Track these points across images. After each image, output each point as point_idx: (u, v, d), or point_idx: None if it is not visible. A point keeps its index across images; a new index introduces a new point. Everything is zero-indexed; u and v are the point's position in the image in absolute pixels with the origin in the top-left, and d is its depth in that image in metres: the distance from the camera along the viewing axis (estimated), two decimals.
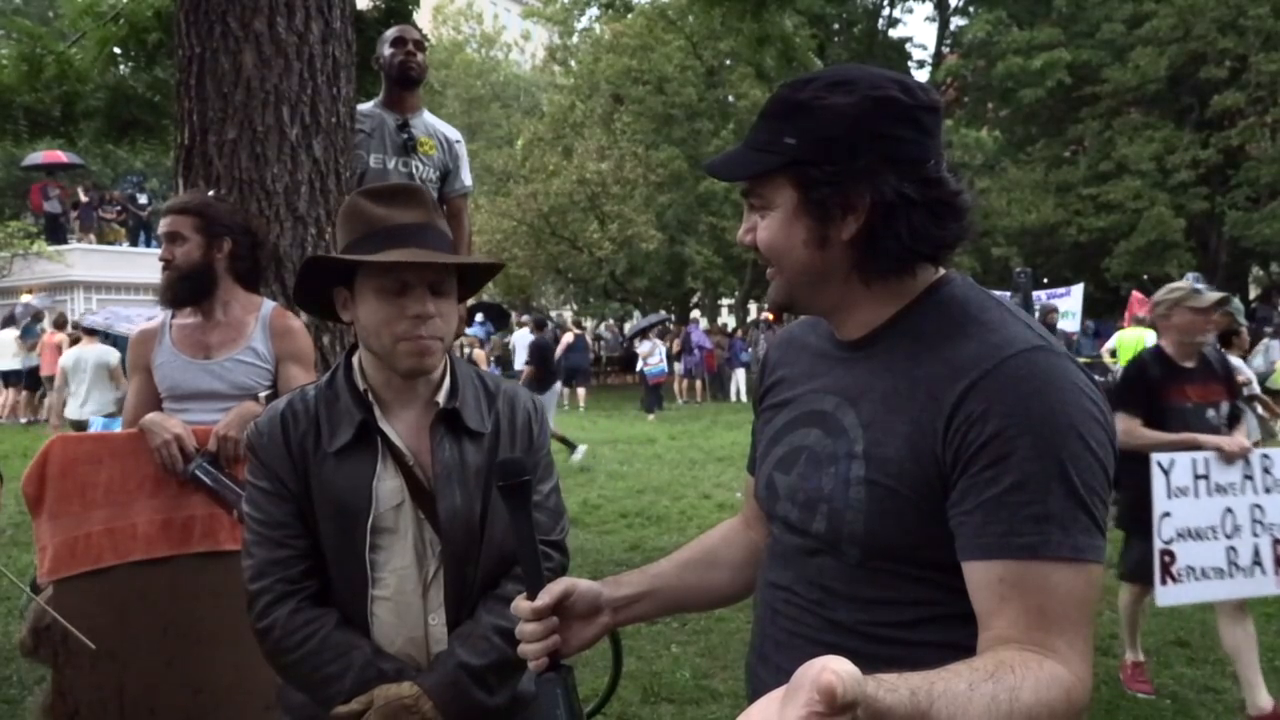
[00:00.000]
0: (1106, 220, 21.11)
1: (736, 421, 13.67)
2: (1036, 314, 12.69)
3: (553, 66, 29.30)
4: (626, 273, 23.62)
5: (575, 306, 29.62)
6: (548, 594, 1.14)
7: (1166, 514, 3.25)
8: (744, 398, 17.45)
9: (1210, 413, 3.60)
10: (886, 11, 25.84)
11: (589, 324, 26.94)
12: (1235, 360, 7.23)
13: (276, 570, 1.45)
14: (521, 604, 1.15)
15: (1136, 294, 14.99)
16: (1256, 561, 3.32)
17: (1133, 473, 3.30)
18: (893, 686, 0.73)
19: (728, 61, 22.58)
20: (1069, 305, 14.31)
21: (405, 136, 3.74)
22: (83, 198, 21.10)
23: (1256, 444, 7.28)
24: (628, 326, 26.75)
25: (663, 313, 24.00)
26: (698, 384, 18.46)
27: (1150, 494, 3.26)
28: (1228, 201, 20.58)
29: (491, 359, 17.59)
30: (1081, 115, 22.73)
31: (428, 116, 3.89)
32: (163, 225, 2.60)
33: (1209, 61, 20.60)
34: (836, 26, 25.24)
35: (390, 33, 3.77)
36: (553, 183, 21.08)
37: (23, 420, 15.10)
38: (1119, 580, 3.86)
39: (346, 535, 1.45)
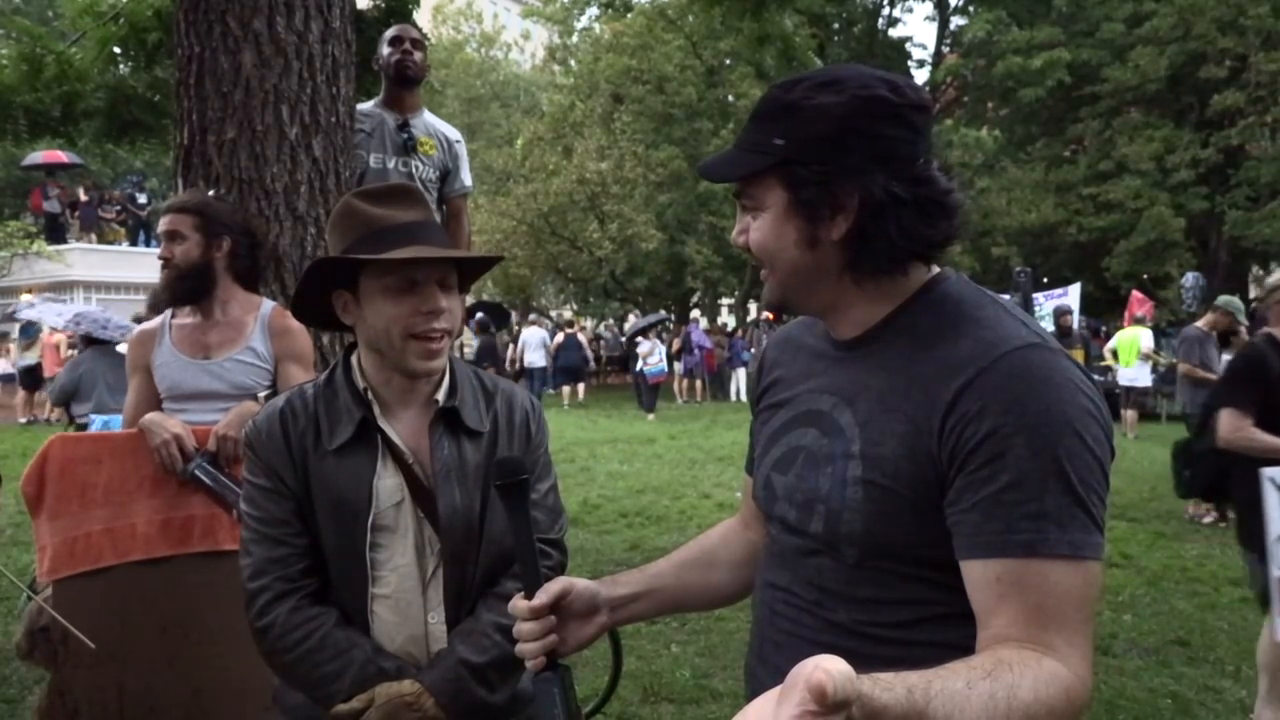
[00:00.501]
0: (1106, 220, 21.09)
1: (736, 421, 13.68)
2: (1050, 314, 12.70)
3: (552, 66, 29.28)
4: (626, 272, 23.61)
5: (575, 306, 29.62)
6: (545, 593, 1.14)
7: None
8: (744, 397, 17.44)
9: None
10: (886, 11, 25.82)
11: (589, 323, 26.95)
12: None
13: (275, 569, 1.45)
14: (519, 603, 1.15)
15: (1136, 294, 15.01)
16: None
17: (1247, 482, 2.71)
18: (889, 685, 0.73)
19: (728, 61, 22.58)
20: (1066, 305, 14.32)
21: (405, 136, 3.74)
22: (82, 197, 21.12)
23: None
24: (626, 326, 26.75)
25: (662, 312, 24.00)
26: (698, 383, 18.47)
27: (1264, 510, 2.62)
28: (1228, 201, 20.56)
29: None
30: (1081, 115, 22.70)
31: (428, 116, 3.90)
32: (162, 224, 2.60)
33: (1209, 61, 20.58)
34: (836, 26, 25.23)
35: (389, 32, 3.77)
36: (552, 182, 21.05)
37: (22, 420, 15.11)
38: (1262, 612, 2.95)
39: (346, 533, 1.46)
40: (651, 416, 15.25)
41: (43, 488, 2.33)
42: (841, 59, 23.35)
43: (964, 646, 0.95)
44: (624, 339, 22.05)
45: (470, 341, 17.52)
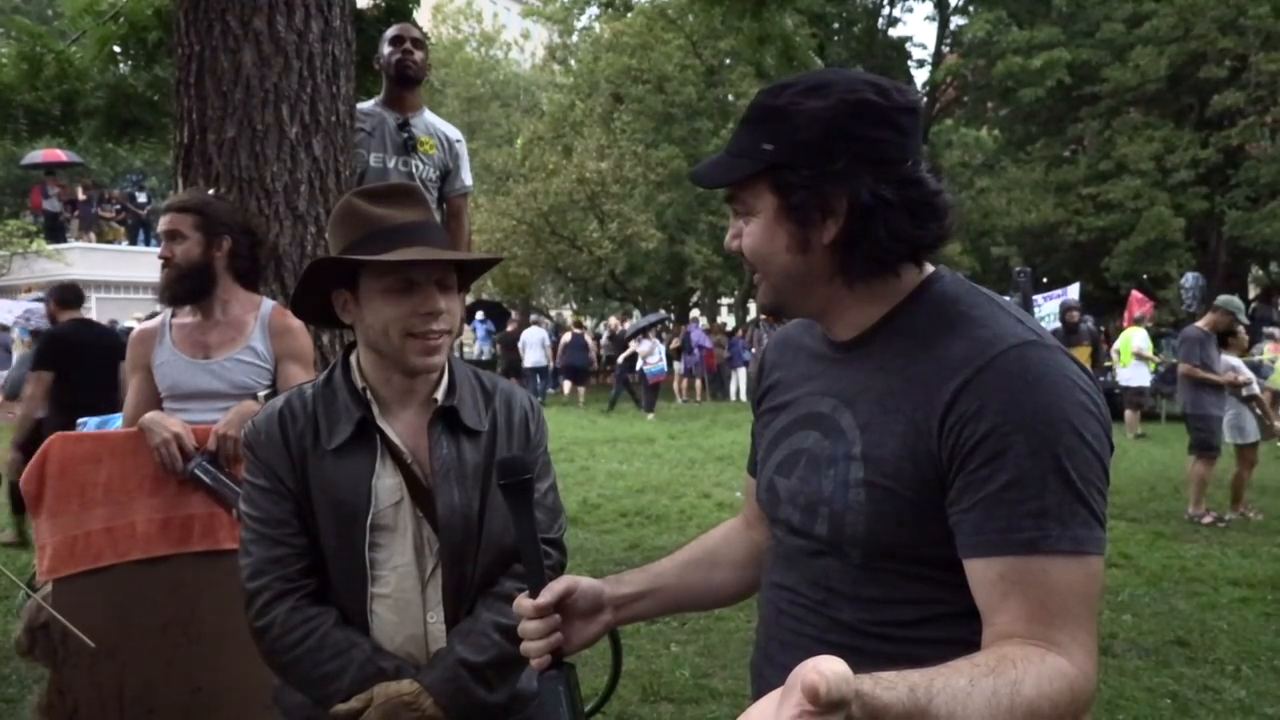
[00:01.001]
0: (1106, 220, 21.09)
1: (736, 421, 13.68)
2: (1050, 315, 12.70)
3: (552, 65, 29.29)
4: (626, 272, 23.61)
5: (575, 305, 29.61)
6: (550, 592, 1.15)
7: None
8: (744, 397, 17.45)
9: None
10: (886, 11, 25.82)
11: (589, 323, 26.92)
12: (1235, 360, 7.25)
13: (274, 568, 1.45)
14: (524, 602, 1.15)
15: (1136, 293, 15.01)
16: None
17: None
18: (890, 684, 0.73)
19: (728, 61, 22.58)
20: (1074, 300, 14.32)
21: (405, 136, 3.74)
22: (82, 196, 21.10)
23: (1256, 445, 7.31)
24: (627, 325, 26.75)
25: (662, 312, 24.00)
26: (697, 383, 18.47)
27: None
28: (1227, 201, 20.56)
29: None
30: (1081, 115, 22.70)
31: (428, 116, 3.90)
32: (162, 223, 2.60)
33: (1209, 61, 20.57)
34: (836, 26, 25.21)
35: (390, 31, 3.77)
36: (552, 182, 21.06)
37: None
38: None
39: (346, 533, 1.45)
40: (651, 416, 15.26)
41: (42, 486, 2.33)
42: (841, 59, 23.36)
43: (969, 643, 0.95)
44: (624, 338, 22.03)
45: (470, 341, 17.53)
